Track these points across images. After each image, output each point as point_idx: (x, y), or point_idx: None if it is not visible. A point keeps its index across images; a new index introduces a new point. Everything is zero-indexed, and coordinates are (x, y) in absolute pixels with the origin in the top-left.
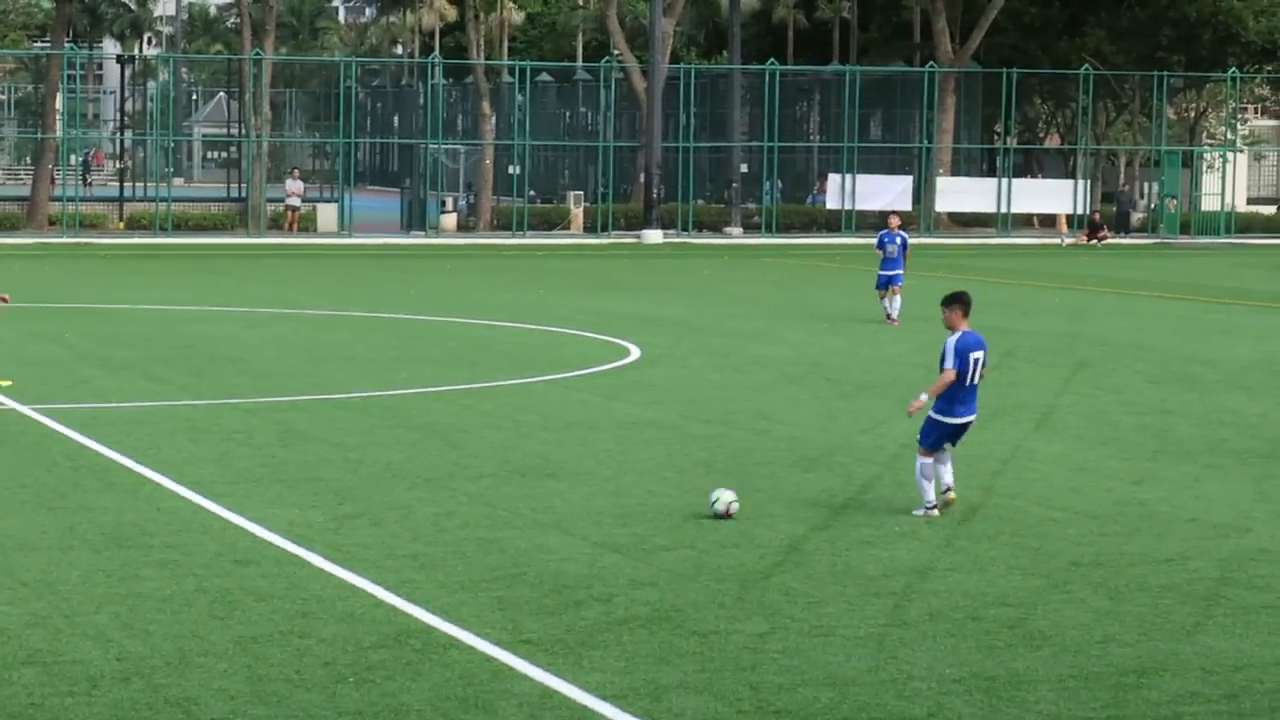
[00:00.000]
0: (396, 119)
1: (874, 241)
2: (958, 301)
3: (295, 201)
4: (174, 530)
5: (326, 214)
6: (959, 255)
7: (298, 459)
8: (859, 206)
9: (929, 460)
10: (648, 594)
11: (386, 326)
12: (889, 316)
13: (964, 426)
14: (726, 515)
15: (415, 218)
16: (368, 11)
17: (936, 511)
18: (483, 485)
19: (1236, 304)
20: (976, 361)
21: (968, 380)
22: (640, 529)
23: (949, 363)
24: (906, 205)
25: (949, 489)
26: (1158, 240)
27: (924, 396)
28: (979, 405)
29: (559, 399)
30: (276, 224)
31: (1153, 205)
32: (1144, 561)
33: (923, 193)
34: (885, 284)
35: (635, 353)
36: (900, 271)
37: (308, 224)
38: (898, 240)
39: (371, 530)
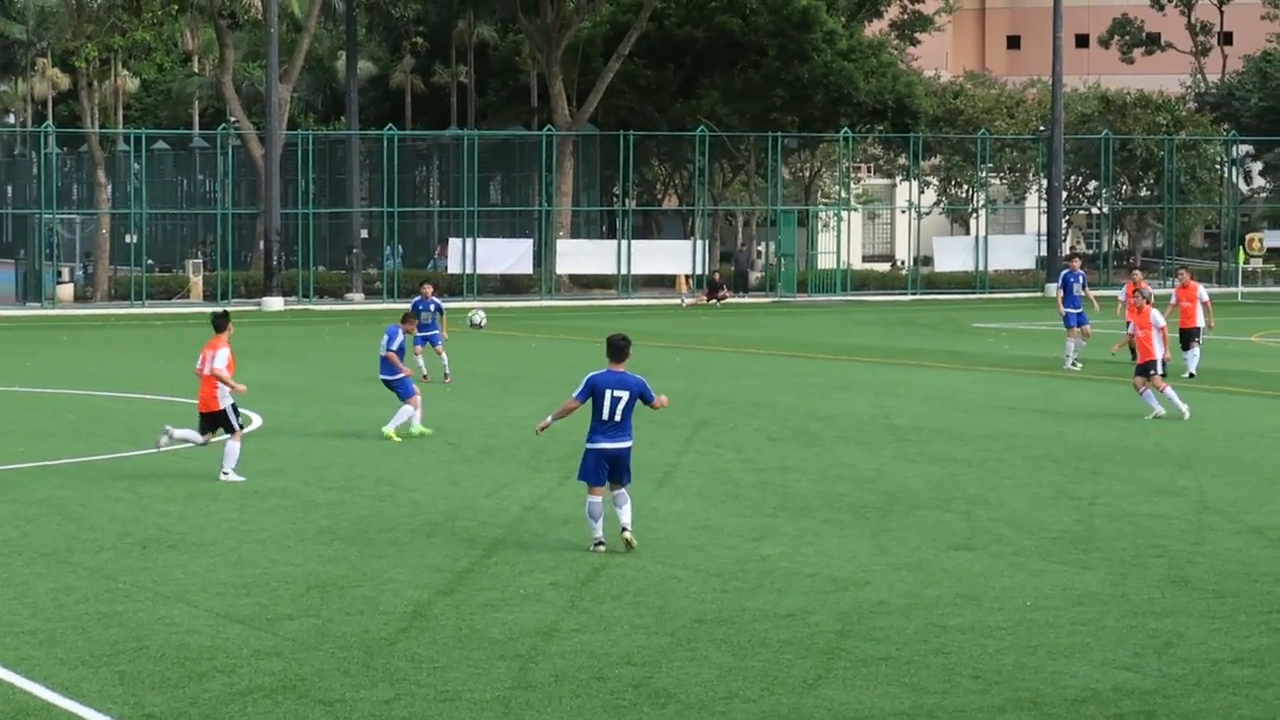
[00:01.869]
0: (10, 188)
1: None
2: (606, 343)
3: None
4: None
5: None
6: (580, 317)
7: None
8: (481, 270)
9: (595, 499)
10: (272, 664)
11: (0, 399)
12: (426, 375)
13: (610, 455)
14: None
15: (31, 288)
16: None
17: (603, 547)
18: (103, 559)
19: (853, 360)
20: (617, 400)
21: (604, 414)
22: (264, 598)
23: (574, 392)
24: (528, 268)
25: (625, 528)
26: (776, 299)
27: (549, 418)
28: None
29: (180, 469)
30: None
31: (770, 264)
32: (765, 617)
33: (544, 255)
34: (424, 342)
35: (257, 421)
36: (438, 332)
37: None
38: (431, 306)
39: None
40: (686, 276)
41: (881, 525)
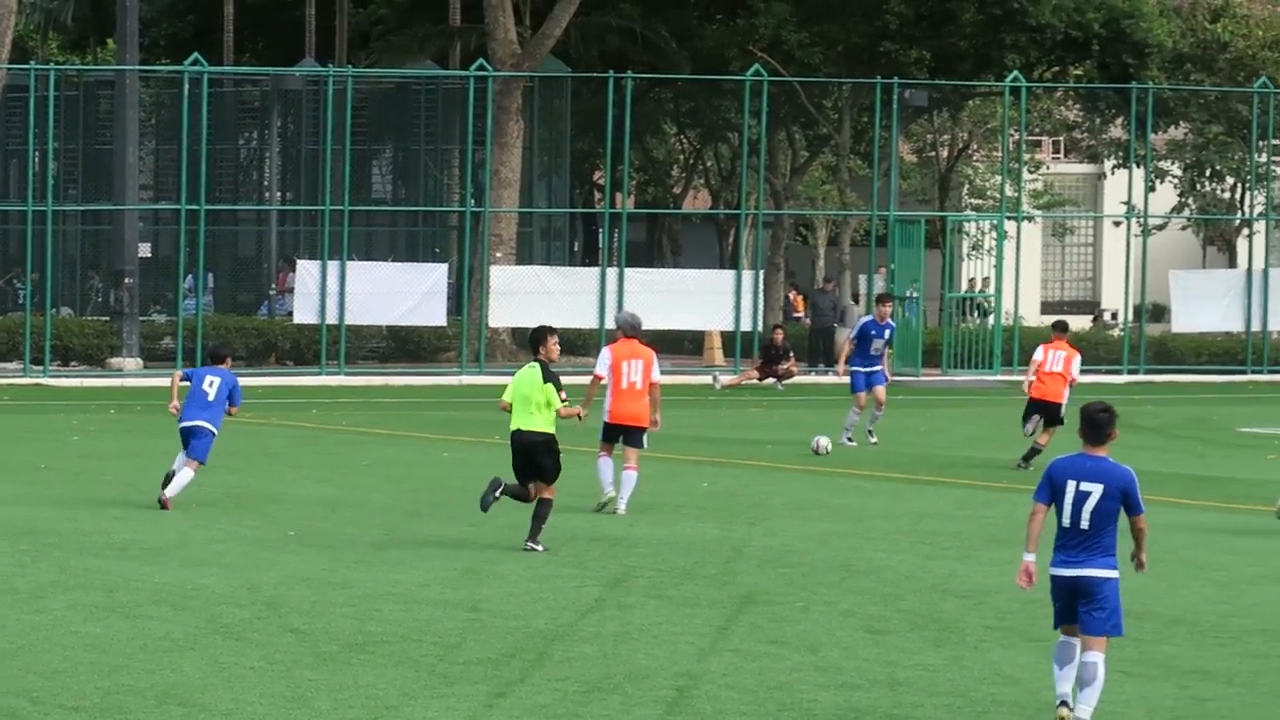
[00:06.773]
0: None
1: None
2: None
3: None
4: None
5: None
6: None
7: None
8: (354, 320)
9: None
10: None
11: None
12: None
13: (1067, 584)
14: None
15: None
16: None
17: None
18: None
19: (1012, 489)
20: (1084, 496)
21: (1065, 519)
22: None
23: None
24: (438, 316)
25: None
26: (900, 378)
27: None
28: None
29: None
30: None
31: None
32: None
33: (467, 293)
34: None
35: None
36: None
37: None
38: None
39: None
40: (724, 335)
41: None
